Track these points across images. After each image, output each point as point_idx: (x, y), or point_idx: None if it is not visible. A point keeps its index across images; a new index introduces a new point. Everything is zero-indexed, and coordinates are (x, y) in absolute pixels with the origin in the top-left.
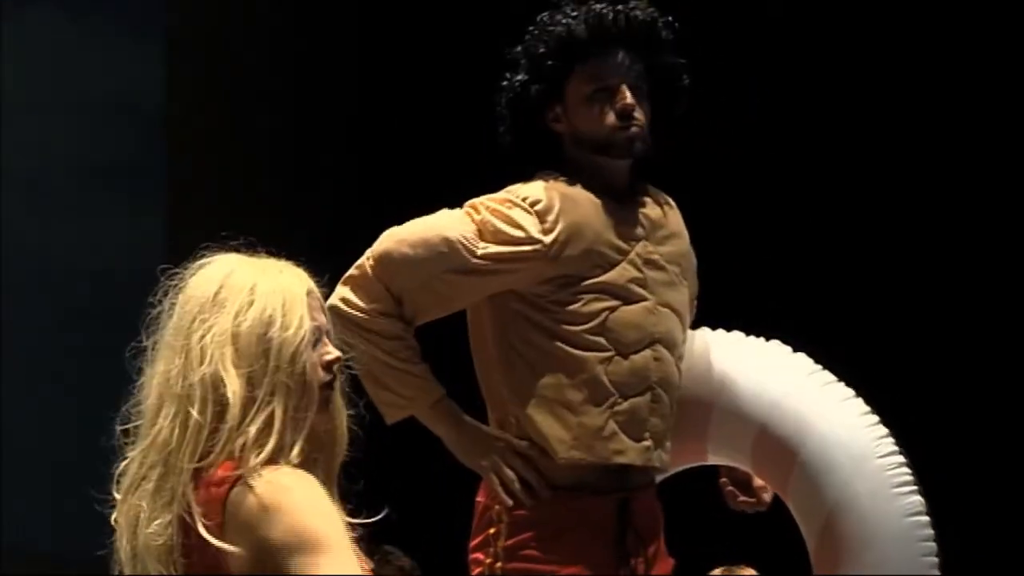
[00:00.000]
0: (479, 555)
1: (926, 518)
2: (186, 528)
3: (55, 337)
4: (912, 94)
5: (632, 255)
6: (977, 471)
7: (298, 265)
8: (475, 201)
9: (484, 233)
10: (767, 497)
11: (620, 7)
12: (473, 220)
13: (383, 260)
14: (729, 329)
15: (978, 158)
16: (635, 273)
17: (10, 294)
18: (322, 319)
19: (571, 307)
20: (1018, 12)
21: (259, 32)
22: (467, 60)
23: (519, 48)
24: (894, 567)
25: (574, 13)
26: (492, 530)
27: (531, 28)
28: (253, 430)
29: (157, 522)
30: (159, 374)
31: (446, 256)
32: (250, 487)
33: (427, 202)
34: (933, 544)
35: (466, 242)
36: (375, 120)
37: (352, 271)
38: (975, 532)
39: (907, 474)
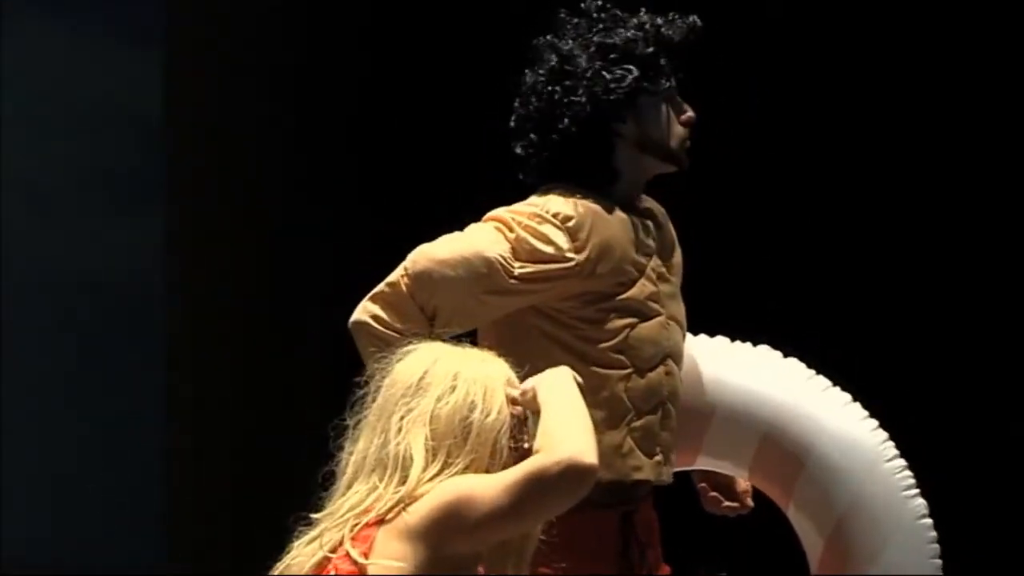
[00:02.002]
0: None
1: (931, 520)
2: (321, 565)
3: (54, 344)
4: (911, 96)
5: (648, 270)
6: (972, 475)
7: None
8: (502, 215)
9: (519, 252)
10: (750, 501)
11: (695, 21)
12: (507, 238)
13: (421, 279)
14: (723, 332)
15: (978, 160)
16: (652, 288)
17: (9, 300)
18: (519, 409)
19: (596, 324)
20: (1018, 12)
21: (259, 40)
22: (465, 64)
23: (602, 40)
24: (907, 569)
25: (660, 18)
26: None
27: (604, 22)
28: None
29: (297, 560)
30: (358, 451)
31: (486, 277)
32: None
33: (426, 207)
34: (938, 546)
35: (504, 262)
36: (376, 126)
37: (384, 288)
38: (968, 534)
39: (911, 477)
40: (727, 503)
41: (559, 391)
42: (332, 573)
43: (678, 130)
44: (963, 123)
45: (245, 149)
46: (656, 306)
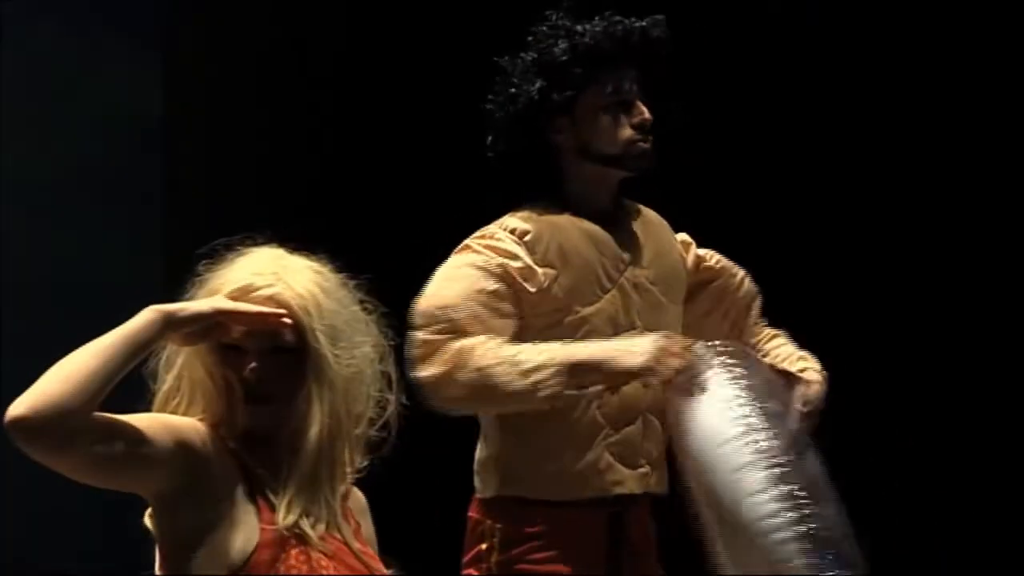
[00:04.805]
0: (471, 571)
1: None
2: None
3: (54, 345)
4: (908, 100)
5: (620, 281)
6: (971, 478)
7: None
8: (469, 243)
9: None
10: None
11: (640, 24)
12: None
13: (437, 323)
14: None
15: (977, 168)
16: (623, 301)
17: (9, 300)
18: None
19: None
20: (1018, 12)
21: (259, 44)
22: (465, 69)
23: (531, 55)
24: None
25: (597, 24)
26: (484, 545)
27: (539, 36)
28: None
29: None
30: None
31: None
32: None
33: (426, 209)
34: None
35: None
36: (378, 127)
37: (415, 351)
38: (964, 540)
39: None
40: None
41: None
42: None
43: (624, 134)
44: (963, 131)
45: (245, 150)
46: (630, 319)
